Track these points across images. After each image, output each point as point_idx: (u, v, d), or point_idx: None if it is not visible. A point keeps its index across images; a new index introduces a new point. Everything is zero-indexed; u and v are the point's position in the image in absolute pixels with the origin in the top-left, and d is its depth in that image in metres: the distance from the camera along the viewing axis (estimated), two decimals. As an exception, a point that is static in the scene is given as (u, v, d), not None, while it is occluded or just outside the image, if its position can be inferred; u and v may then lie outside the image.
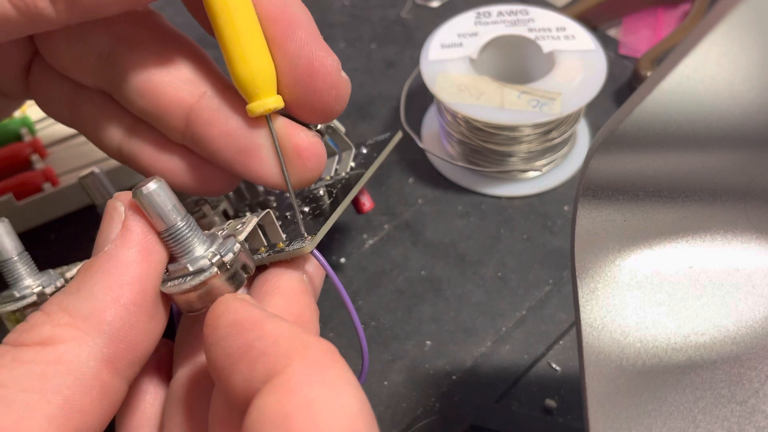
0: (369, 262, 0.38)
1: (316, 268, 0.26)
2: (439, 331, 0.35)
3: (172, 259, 0.22)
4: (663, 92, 0.18)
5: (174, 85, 0.25)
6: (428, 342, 0.34)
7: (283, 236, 0.26)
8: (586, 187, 0.21)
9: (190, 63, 0.25)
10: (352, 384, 0.18)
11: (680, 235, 0.23)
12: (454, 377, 0.33)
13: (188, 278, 0.22)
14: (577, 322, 0.22)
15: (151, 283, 0.22)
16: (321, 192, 0.29)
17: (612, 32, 0.50)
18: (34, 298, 0.25)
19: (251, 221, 0.24)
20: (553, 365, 0.33)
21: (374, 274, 0.37)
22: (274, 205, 0.32)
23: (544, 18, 0.42)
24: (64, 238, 0.40)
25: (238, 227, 0.24)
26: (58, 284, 0.26)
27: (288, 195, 0.25)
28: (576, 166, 0.42)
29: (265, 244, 0.26)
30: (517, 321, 0.35)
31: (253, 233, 0.25)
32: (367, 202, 0.33)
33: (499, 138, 0.39)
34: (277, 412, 0.17)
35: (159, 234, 0.22)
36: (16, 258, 0.25)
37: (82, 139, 0.41)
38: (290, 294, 0.24)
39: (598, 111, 0.44)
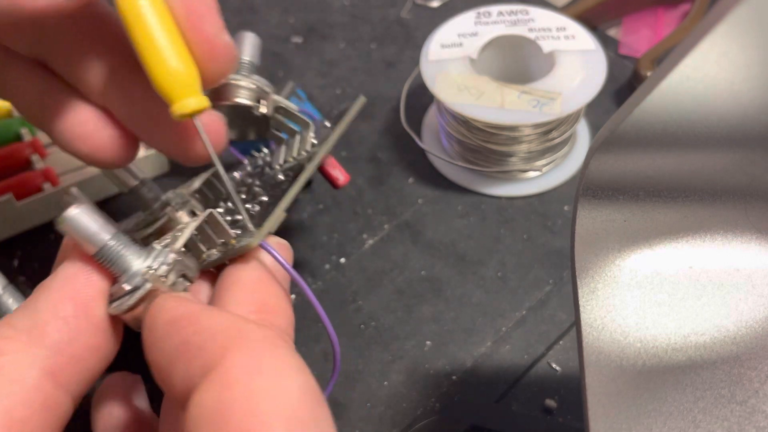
0: (369, 262, 0.38)
1: (284, 252, 0.25)
2: (439, 331, 0.35)
3: (115, 279, 0.22)
4: (663, 92, 0.18)
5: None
6: (428, 342, 0.34)
7: (232, 233, 0.25)
8: (586, 187, 0.21)
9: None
10: (294, 368, 0.17)
11: (680, 235, 0.23)
12: (454, 377, 0.33)
13: (126, 297, 0.21)
14: (577, 322, 0.22)
15: (90, 296, 0.21)
16: (281, 177, 0.28)
17: (612, 32, 0.50)
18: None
19: (189, 226, 0.24)
20: (553, 365, 0.33)
21: (374, 274, 0.37)
22: (244, 196, 0.31)
23: (544, 18, 0.42)
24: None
25: (177, 234, 0.24)
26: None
27: (230, 190, 0.24)
28: (576, 166, 0.42)
29: (218, 243, 0.25)
30: (517, 321, 0.35)
31: (205, 234, 0.24)
32: (341, 176, 0.31)
33: (499, 138, 0.39)
34: (214, 407, 0.16)
35: (92, 257, 0.22)
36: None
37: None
38: (250, 284, 0.23)
39: (598, 111, 0.44)
